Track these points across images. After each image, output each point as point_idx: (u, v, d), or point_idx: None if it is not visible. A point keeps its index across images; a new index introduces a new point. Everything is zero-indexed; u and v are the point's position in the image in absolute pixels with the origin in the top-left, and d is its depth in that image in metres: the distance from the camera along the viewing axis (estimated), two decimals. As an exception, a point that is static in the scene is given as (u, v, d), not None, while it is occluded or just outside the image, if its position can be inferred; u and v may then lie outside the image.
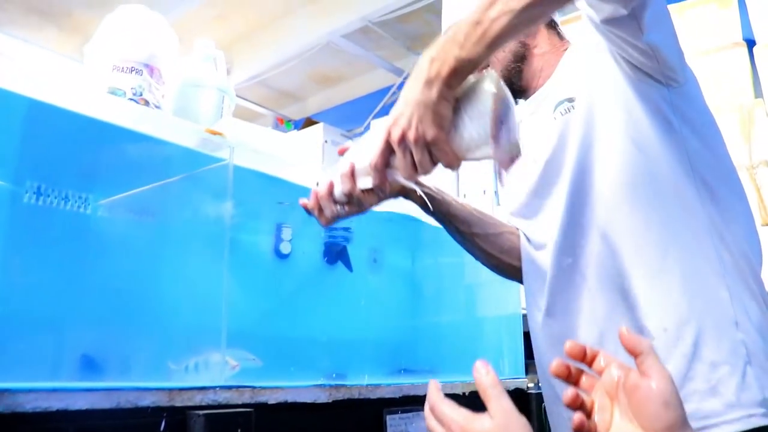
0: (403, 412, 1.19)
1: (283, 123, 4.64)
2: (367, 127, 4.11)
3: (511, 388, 1.49)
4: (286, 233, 1.40)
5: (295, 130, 4.28)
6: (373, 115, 4.17)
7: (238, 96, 4.53)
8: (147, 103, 1.10)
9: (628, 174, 0.97)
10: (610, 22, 0.89)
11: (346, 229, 1.52)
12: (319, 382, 1.04)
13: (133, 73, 1.10)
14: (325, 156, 4.04)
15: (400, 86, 4.27)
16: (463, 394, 1.34)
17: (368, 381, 1.15)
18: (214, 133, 0.99)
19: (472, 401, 1.34)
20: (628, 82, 0.96)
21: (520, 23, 0.78)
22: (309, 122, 4.18)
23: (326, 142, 4.12)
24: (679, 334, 0.92)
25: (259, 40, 4.08)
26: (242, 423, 0.87)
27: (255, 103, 4.59)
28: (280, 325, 1.39)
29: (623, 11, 0.85)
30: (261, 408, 0.95)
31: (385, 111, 4.12)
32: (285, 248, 1.40)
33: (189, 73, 1.23)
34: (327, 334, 1.46)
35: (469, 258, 1.18)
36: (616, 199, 0.98)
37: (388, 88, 4.27)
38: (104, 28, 1.16)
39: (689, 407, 0.86)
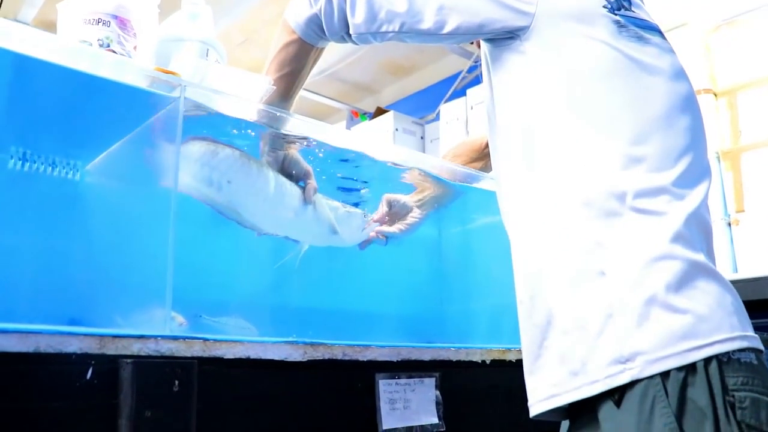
0: (401, 378, 1.07)
1: (358, 116, 4.61)
2: (438, 115, 4.00)
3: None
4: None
5: (368, 120, 4.24)
6: (444, 100, 4.05)
7: (311, 91, 4.55)
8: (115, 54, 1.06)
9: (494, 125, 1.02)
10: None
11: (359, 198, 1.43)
12: (291, 339, 0.95)
13: (100, 24, 1.07)
14: (396, 144, 3.98)
15: (470, 69, 4.13)
16: (483, 362, 1.21)
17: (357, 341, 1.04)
18: (166, 72, 0.93)
19: (492, 369, 1.20)
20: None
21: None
22: (379, 111, 4.12)
23: (397, 130, 4.05)
24: (533, 304, 0.89)
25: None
26: (181, 375, 0.80)
27: (328, 98, 4.60)
28: (285, 294, 1.32)
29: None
30: (215, 363, 0.87)
31: (456, 95, 3.99)
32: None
33: (169, 28, 1.18)
34: (340, 305, 1.37)
35: (494, 220, 1.09)
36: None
37: (459, 74, 4.14)
38: (80, -16, 1.13)
39: (543, 375, 0.87)
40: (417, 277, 1.48)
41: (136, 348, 0.81)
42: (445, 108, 3.79)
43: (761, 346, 0.83)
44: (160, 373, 0.79)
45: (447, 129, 3.72)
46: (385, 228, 1.29)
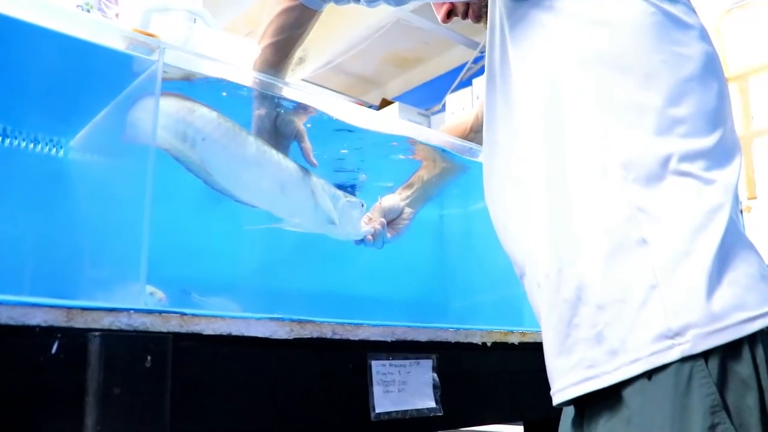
0: (395, 359, 1.02)
1: (363, 109, 4.57)
2: (444, 106, 3.94)
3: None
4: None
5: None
6: (450, 91, 3.99)
7: (316, 84, 4.51)
8: (94, 20, 1.02)
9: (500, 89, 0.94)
10: None
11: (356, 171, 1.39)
12: (277, 315, 0.90)
13: (80, -10, 1.03)
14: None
15: (476, 60, 4.07)
16: (483, 344, 1.15)
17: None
18: (145, 33, 0.88)
19: (492, 352, 1.14)
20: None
21: None
22: (385, 102, 4.08)
23: (402, 121, 4.00)
24: (561, 277, 0.81)
25: (328, 24, 4.03)
26: (154, 350, 0.75)
27: (333, 90, 4.56)
28: (276, 277, 1.27)
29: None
30: (193, 339, 0.82)
31: (461, 86, 3.94)
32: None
33: (155, -3, 1.14)
34: (333, 286, 1.32)
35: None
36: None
37: (465, 65, 4.09)
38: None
39: (576, 356, 0.78)
40: (413, 257, 1.43)
41: (107, 321, 0.76)
42: (450, 98, 3.75)
43: None
44: (131, 348, 0.73)
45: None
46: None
